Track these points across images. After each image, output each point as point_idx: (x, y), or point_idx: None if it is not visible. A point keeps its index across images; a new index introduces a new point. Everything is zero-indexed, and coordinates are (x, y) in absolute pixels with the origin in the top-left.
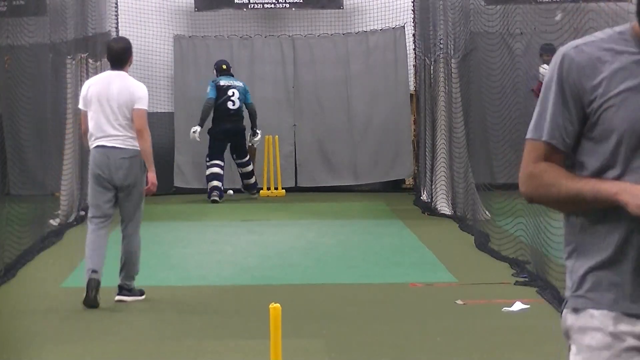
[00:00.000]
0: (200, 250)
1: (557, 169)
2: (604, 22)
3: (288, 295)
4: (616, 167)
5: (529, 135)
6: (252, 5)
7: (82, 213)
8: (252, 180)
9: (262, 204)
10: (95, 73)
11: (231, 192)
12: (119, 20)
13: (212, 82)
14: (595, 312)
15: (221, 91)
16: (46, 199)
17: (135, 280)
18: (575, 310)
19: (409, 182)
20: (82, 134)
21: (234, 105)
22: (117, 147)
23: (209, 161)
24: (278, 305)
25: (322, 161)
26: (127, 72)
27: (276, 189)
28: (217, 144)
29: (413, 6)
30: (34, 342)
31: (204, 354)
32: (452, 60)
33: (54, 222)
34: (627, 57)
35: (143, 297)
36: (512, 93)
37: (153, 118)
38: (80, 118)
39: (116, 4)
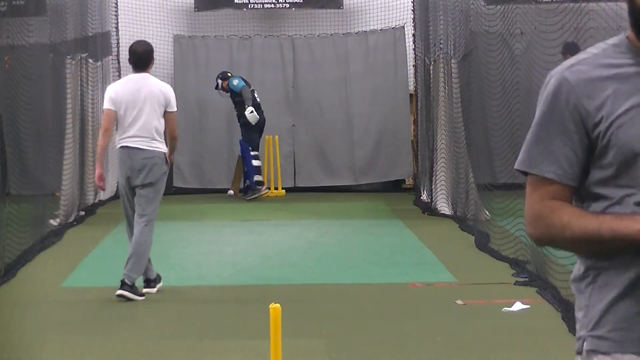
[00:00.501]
0: (200, 250)
1: (567, 208)
2: (604, 22)
3: (288, 295)
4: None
5: (525, 167)
6: (252, 5)
7: (82, 213)
8: (261, 176)
9: (262, 204)
10: (96, 73)
11: (231, 192)
12: (119, 20)
13: (234, 76)
14: (624, 358)
15: (247, 83)
16: (46, 199)
17: (139, 276)
18: (595, 353)
19: (409, 182)
20: (103, 131)
21: (258, 97)
22: (140, 149)
23: (251, 151)
24: (278, 305)
25: (322, 161)
26: (149, 74)
27: (276, 189)
28: (256, 135)
29: (413, 6)
30: (34, 342)
31: (204, 354)
32: (452, 61)
33: (54, 222)
34: (627, 70)
35: (142, 298)
36: (512, 93)
37: None
38: (105, 117)
39: (116, 3)
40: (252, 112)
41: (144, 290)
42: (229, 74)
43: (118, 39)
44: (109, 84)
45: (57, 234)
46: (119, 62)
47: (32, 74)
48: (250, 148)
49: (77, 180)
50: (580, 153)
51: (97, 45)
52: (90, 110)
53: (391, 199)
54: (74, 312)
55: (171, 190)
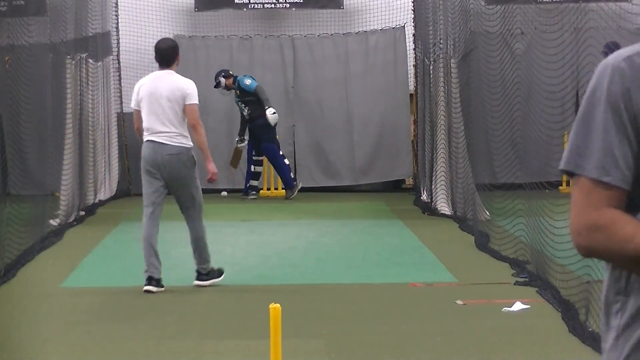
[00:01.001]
0: None
1: (630, 220)
2: (604, 22)
3: (288, 295)
4: None
5: (575, 168)
6: (252, 5)
7: (82, 213)
8: (258, 181)
9: (262, 204)
10: (96, 73)
11: (225, 193)
12: (119, 20)
13: (244, 75)
14: None
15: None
16: (46, 199)
17: (210, 262)
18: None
19: (409, 182)
20: (136, 131)
21: None
22: (165, 144)
23: (279, 151)
24: (278, 305)
25: (322, 161)
26: (174, 70)
27: (276, 189)
28: (275, 134)
29: (413, 6)
30: (34, 342)
31: (204, 354)
32: (452, 60)
33: (54, 222)
34: None
35: (221, 277)
36: (512, 93)
37: None
38: (134, 117)
39: (116, 4)
40: (274, 112)
41: (194, 283)
42: (231, 72)
43: (118, 39)
44: (109, 84)
45: (57, 234)
46: (119, 62)
47: (32, 74)
48: (278, 149)
49: (77, 180)
50: (636, 152)
51: (97, 45)
52: (90, 110)
53: (391, 199)
54: (74, 312)
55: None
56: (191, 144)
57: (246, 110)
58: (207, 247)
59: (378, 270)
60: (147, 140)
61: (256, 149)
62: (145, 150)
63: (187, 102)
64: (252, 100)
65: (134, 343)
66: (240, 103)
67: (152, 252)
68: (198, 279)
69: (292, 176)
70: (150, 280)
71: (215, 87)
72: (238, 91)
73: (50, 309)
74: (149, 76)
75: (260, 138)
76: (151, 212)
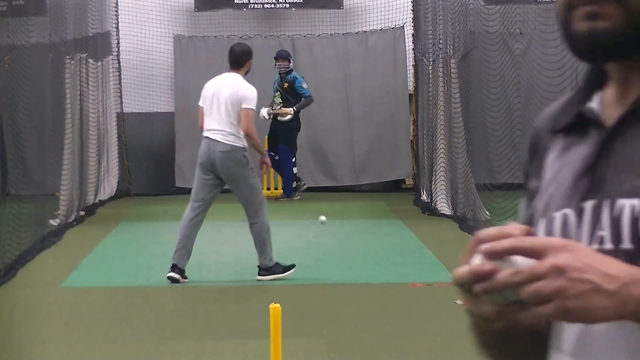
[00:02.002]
0: (200, 250)
1: None
2: None
3: (288, 295)
4: None
5: None
6: (252, 5)
7: (82, 213)
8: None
9: None
10: (96, 73)
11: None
12: (119, 20)
13: (301, 77)
14: None
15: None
16: (46, 199)
17: (271, 259)
18: None
19: (409, 182)
20: (199, 128)
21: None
22: (218, 141)
23: (293, 157)
24: (278, 305)
25: (322, 161)
26: (242, 75)
27: (276, 189)
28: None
29: (412, 6)
30: (34, 342)
31: (204, 354)
32: (452, 60)
33: (54, 222)
34: None
35: (286, 273)
36: (512, 93)
37: (154, 118)
38: (198, 113)
39: (116, 4)
40: (289, 116)
41: (170, 274)
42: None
43: (118, 39)
44: (109, 84)
45: (57, 234)
46: (119, 62)
47: (32, 74)
48: (293, 155)
49: (77, 180)
50: None
51: (97, 45)
52: (90, 110)
53: (391, 199)
54: (74, 312)
55: (171, 190)
56: (244, 144)
57: (278, 105)
58: (266, 244)
59: (378, 270)
60: (204, 137)
61: (271, 146)
62: (201, 146)
63: (242, 106)
64: (290, 101)
65: (134, 343)
66: (278, 93)
67: (185, 243)
68: (259, 273)
69: (294, 185)
70: (174, 268)
71: (278, 66)
72: (286, 84)
73: (50, 309)
74: (218, 76)
75: (279, 138)
76: (197, 208)
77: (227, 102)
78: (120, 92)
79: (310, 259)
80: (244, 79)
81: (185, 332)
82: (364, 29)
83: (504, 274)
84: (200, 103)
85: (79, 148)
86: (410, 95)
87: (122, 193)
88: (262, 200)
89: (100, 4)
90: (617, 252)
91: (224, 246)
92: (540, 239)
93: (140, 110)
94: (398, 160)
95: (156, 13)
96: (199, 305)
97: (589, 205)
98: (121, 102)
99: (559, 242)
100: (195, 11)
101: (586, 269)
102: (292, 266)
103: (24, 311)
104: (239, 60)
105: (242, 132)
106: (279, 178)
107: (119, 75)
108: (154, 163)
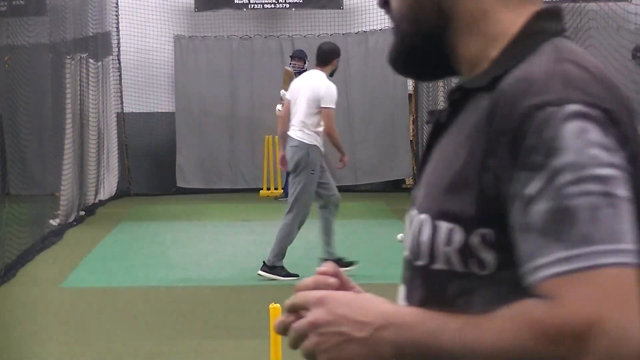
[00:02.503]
0: (200, 250)
1: None
2: (604, 22)
3: (288, 295)
4: None
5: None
6: (252, 5)
7: (82, 213)
8: None
9: (262, 204)
10: (96, 73)
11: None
12: (120, 20)
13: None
14: None
15: None
16: (46, 199)
17: (279, 259)
18: None
19: (409, 182)
20: (280, 118)
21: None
22: (290, 136)
23: None
24: (278, 305)
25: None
26: (327, 73)
27: (276, 189)
28: None
29: None
30: (34, 342)
31: (204, 354)
32: None
33: (54, 222)
34: None
35: (287, 278)
36: None
37: (154, 118)
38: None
39: (116, 4)
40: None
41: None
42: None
43: (118, 39)
44: (109, 84)
45: (57, 234)
46: (119, 62)
47: (32, 74)
48: None
49: (77, 180)
50: None
51: (97, 45)
52: (90, 110)
53: (391, 199)
54: (73, 312)
55: (172, 190)
56: (312, 142)
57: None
58: (281, 244)
59: (378, 270)
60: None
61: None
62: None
63: (321, 105)
64: None
65: (134, 343)
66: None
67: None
68: (261, 268)
69: None
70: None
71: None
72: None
73: (50, 308)
74: (306, 72)
75: None
76: (319, 205)
77: (305, 99)
78: (121, 92)
79: (310, 259)
80: (328, 78)
81: (185, 332)
82: (363, 29)
83: (289, 331)
84: (288, 96)
85: (79, 148)
86: (410, 95)
87: (122, 193)
88: (303, 206)
89: (100, 4)
90: (411, 264)
91: (224, 246)
92: (302, 294)
93: (141, 110)
94: (398, 160)
95: (156, 13)
96: (199, 305)
97: (412, 213)
98: (121, 102)
99: (315, 296)
100: (195, 11)
101: (338, 321)
102: (295, 275)
103: (23, 311)
104: (325, 58)
105: (312, 130)
106: (279, 178)
107: (119, 75)
108: (154, 163)
